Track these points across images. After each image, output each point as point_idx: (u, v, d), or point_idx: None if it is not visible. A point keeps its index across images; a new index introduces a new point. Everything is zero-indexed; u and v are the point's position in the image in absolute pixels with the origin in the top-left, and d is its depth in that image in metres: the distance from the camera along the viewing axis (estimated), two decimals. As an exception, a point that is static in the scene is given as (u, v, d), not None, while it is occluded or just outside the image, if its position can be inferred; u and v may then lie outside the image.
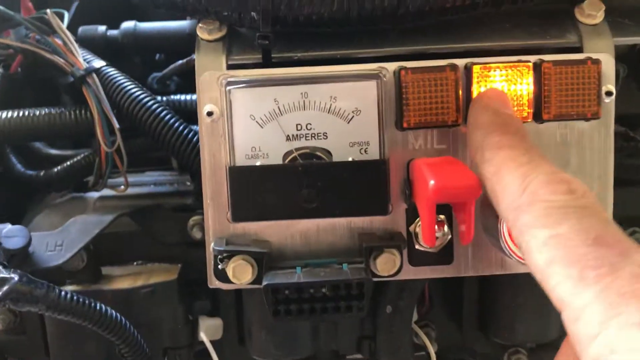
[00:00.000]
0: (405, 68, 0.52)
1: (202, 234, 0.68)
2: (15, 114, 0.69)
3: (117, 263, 0.72)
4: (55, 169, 0.73)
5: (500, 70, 0.52)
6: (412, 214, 0.55)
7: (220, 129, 0.53)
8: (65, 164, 0.72)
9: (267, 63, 0.55)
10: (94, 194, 0.73)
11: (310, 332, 0.69)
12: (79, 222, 0.67)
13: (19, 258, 0.62)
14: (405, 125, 0.52)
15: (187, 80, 0.74)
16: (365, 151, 0.53)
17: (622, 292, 0.32)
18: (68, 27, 0.69)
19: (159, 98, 0.69)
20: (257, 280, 0.52)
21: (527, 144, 0.45)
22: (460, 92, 0.52)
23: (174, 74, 0.75)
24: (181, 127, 0.65)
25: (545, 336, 0.71)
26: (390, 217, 0.55)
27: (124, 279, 0.70)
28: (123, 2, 0.75)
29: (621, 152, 0.70)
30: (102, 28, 0.76)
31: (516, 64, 0.53)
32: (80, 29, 0.76)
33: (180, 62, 0.73)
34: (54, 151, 0.76)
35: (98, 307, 0.60)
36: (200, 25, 0.56)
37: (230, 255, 0.52)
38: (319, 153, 0.53)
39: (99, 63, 0.68)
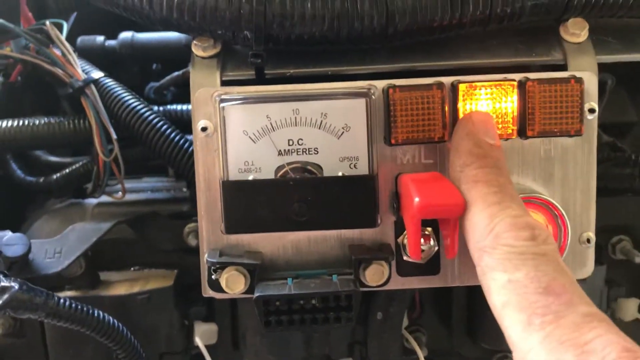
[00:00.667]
0: (393, 86, 0.53)
1: (198, 241, 0.69)
2: (15, 122, 0.70)
3: (114, 268, 0.74)
4: (55, 176, 0.75)
5: (486, 89, 0.54)
6: (400, 226, 0.56)
7: (215, 143, 0.55)
8: (64, 171, 0.74)
9: (260, 80, 0.57)
10: (93, 201, 0.75)
11: (303, 338, 0.71)
12: (77, 230, 0.69)
13: (19, 265, 0.64)
14: (393, 141, 0.54)
15: (183, 91, 0.76)
16: (354, 166, 0.55)
17: (562, 340, 0.36)
18: (67, 38, 0.71)
19: (155, 108, 0.71)
20: (250, 290, 0.54)
21: (502, 178, 0.47)
22: (447, 109, 0.54)
23: (170, 85, 0.76)
24: (177, 138, 0.67)
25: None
26: (379, 229, 0.56)
27: (122, 285, 0.71)
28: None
29: (608, 162, 0.72)
30: (100, 38, 0.78)
31: (501, 82, 0.54)
32: (79, 39, 0.77)
33: (176, 73, 0.75)
34: (53, 158, 0.78)
35: (96, 314, 0.61)
36: (195, 42, 0.57)
37: (224, 266, 0.54)
38: (310, 167, 0.55)
39: (97, 74, 0.70)
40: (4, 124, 0.70)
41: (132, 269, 0.75)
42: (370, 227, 0.56)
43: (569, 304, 0.37)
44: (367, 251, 0.55)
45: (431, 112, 0.53)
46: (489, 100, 0.54)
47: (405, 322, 0.75)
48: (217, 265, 0.54)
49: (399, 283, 0.57)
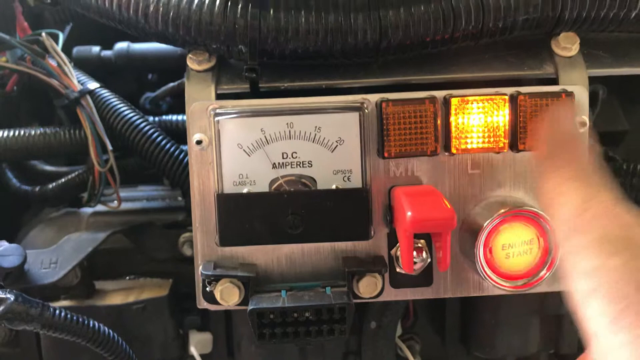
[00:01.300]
0: (386, 100, 0.54)
1: (192, 251, 0.70)
2: (12, 133, 0.71)
3: (110, 278, 0.74)
4: (50, 185, 0.75)
5: (478, 103, 0.55)
6: (393, 238, 0.57)
7: (209, 157, 0.55)
8: (60, 181, 0.74)
9: (254, 93, 0.57)
10: (88, 210, 0.76)
11: (297, 347, 0.72)
12: (73, 240, 0.69)
13: (14, 276, 0.64)
14: (386, 155, 0.54)
15: (178, 101, 0.76)
16: (348, 179, 0.56)
17: None
18: (63, 48, 0.71)
19: (151, 119, 0.71)
20: (244, 301, 0.54)
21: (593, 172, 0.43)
22: (439, 122, 0.54)
23: (166, 96, 0.77)
24: (172, 148, 0.68)
25: (525, 350, 0.74)
26: (372, 241, 0.57)
27: (117, 294, 0.72)
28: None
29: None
30: (96, 48, 0.78)
31: (493, 96, 0.55)
32: (75, 50, 0.78)
33: (171, 84, 0.75)
34: (49, 168, 0.78)
35: (91, 325, 0.61)
36: (190, 56, 0.58)
37: (218, 278, 0.54)
38: (304, 180, 0.55)
39: (93, 85, 0.70)
40: (0, 133, 0.71)
41: (127, 278, 0.75)
42: (363, 240, 0.56)
43: None
44: (361, 263, 0.56)
45: (424, 125, 0.54)
46: (481, 114, 0.55)
47: (399, 331, 0.76)
48: (212, 278, 0.54)
49: (392, 294, 0.58)
